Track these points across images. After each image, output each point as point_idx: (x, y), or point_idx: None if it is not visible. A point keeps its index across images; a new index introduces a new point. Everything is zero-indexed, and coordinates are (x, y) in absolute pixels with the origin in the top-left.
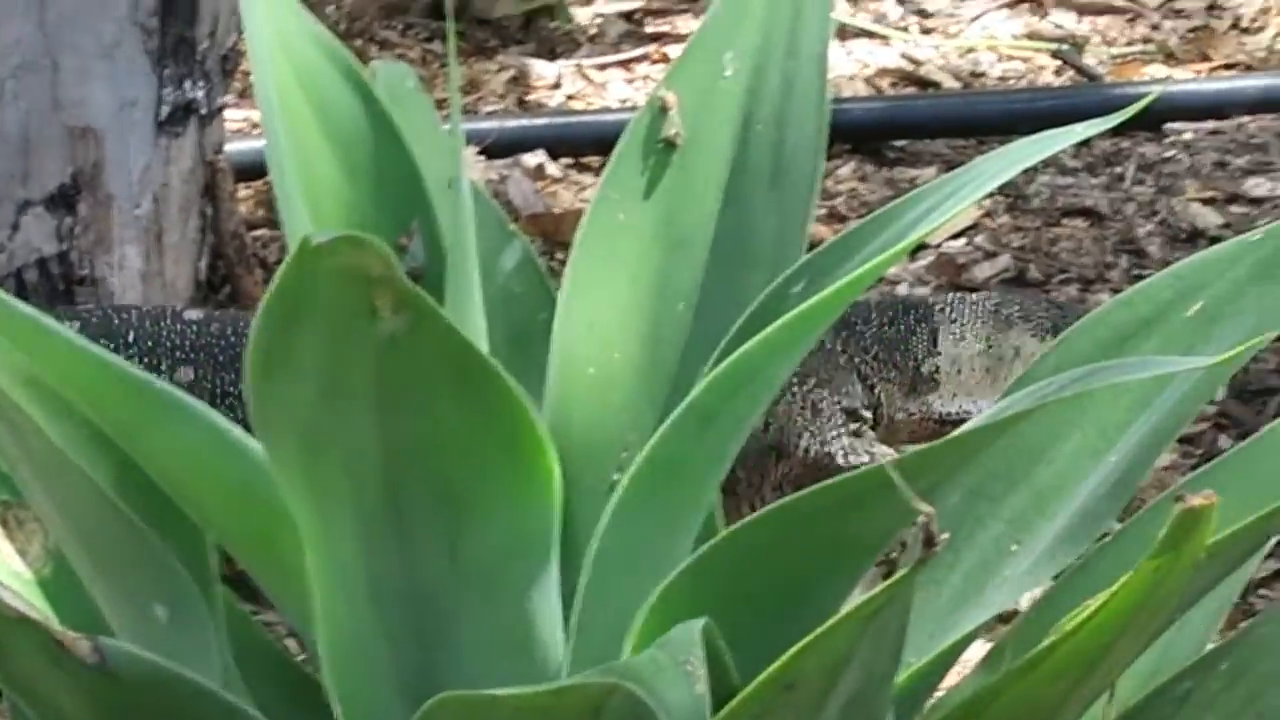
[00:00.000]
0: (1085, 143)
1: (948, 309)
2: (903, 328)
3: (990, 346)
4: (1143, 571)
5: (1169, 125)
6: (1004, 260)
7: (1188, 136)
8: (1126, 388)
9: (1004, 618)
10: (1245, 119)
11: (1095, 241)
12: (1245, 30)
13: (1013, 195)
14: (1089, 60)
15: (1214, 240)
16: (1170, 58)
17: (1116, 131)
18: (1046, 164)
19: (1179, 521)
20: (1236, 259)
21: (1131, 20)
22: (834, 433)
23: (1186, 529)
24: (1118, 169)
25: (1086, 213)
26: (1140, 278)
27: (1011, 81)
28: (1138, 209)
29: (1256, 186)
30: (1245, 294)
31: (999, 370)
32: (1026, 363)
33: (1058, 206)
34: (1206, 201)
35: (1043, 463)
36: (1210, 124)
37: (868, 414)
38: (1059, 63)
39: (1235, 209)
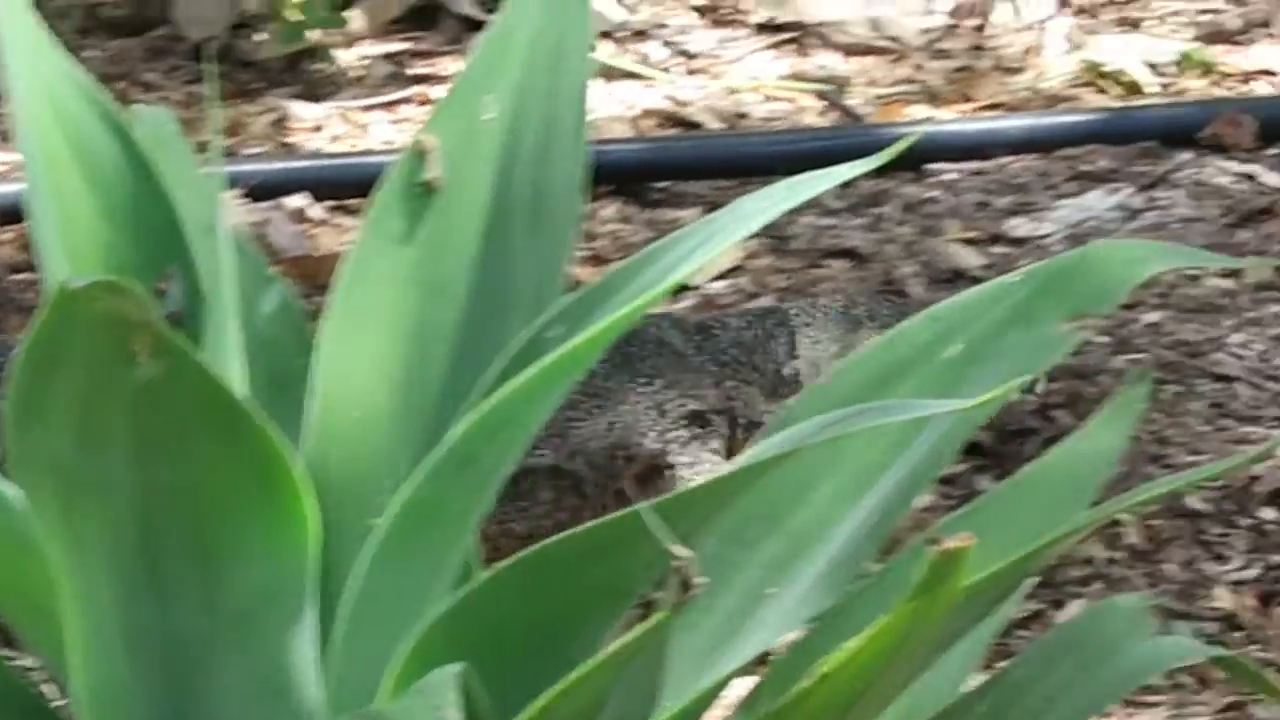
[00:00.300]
0: (848, 183)
1: (801, 314)
2: (760, 331)
3: (843, 349)
4: (899, 614)
5: (931, 165)
6: (766, 302)
7: (950, 177)
8: (884, 430)
9: (762, 661)
10: (1007, 159)
11: (857, 282)
12: (1008, 71)
13: (775, 236)
14: (853, 101)
15: (975, 281)
16: (934, 98)
17: (879, 172)
18: (809, 205)
19: (935, 564)
20: (996, 300)
21: (895, 61)
22: (677, 435)
23: (942, 571)
24: (880, 209)
25: (849, 253)
26: (901, 319)
27: (776, 122)
28: (899, 250)
29: (1018, 227)
30: (1005, 335)
31: None
32: None
33: (819, 247)
34: (968, 242)
35: (800, 506)
36: (973, 164)
37: (717, 418)
38: (823, 103)
39: (997, 249)
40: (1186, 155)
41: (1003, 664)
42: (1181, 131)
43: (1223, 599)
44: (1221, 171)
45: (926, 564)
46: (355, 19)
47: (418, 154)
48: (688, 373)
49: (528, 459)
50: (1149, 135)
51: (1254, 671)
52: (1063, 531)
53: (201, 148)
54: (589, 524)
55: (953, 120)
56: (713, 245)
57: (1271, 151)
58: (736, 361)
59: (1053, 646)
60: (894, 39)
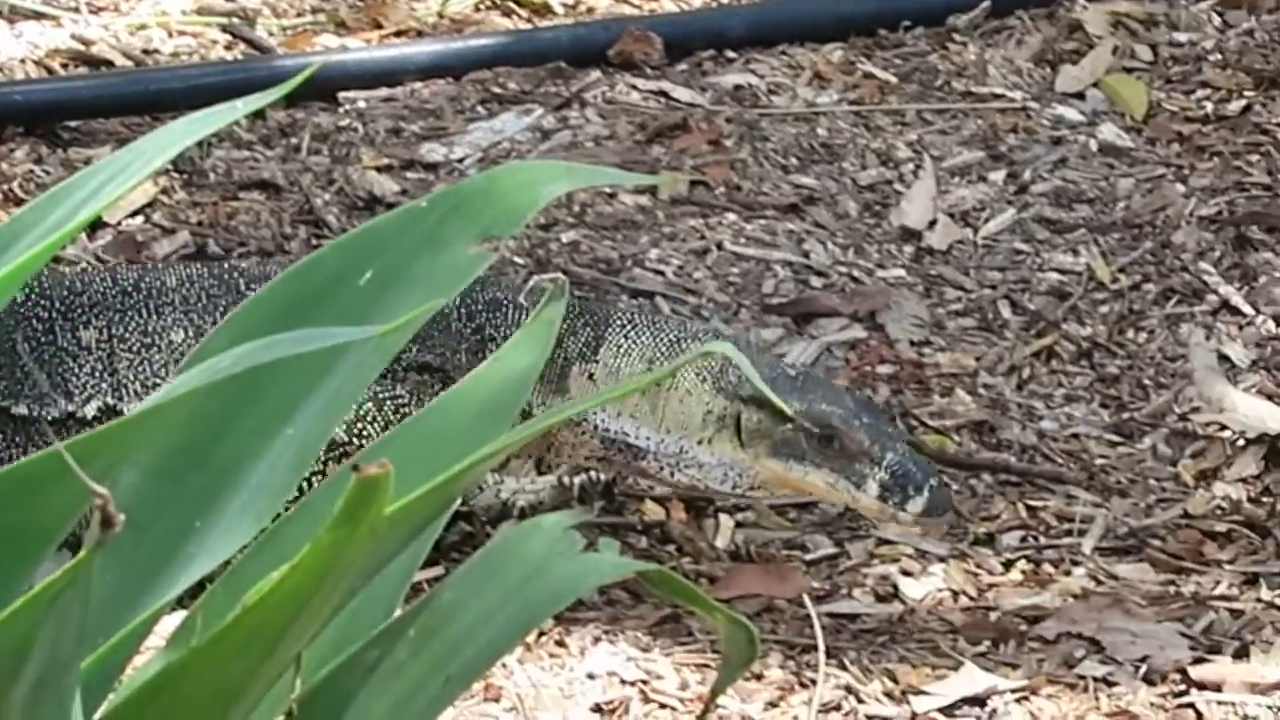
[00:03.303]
0: (261, 116)
1: (625, 321)
2: (564, 326)
3: (652, 370)
4: (322, 542)
5: (344, 94)
6: (183, 236)
7: (361, 105)
8: (302, 359)
9: (195, 594)
10: (418, 85)
11: (273, 214)
12: None
13: (189, 171)
14: (261, 33)
15: (391, 207)
16: (342, 27)
17: (292, 103)
18: (222, 138)
19: (355, 491)
20: (406, 226)
21: None
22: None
23: (364, 498)
24: (294, 140)
25: (264, 185)
26: (319, 248)
27: (184, 57)
28: (314, 179)
29: (431, 152)
30: (416, 261)
31: (658, 397)
32: (681, 396)
33: (235, 180)
34: (383, 169)
35: (222, 438)
36: (383, 91)
37: (447, 370)
38: (231, 37)
39: (411, 175)
40: (596, 74)
41: (430, 589)
42: (590, 51)
43: (653, 512)
44: (632, 89)
45: (347, 491)
46: None
47: None
48: (444, 334)
49: None
50: (558, 56)
51: (683, 585)
52: (481, 455)
53: None
54: (5, 467)
55: (362, 48)
56: (121, 182)
57: (681, 67)
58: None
59: (480, 569)
60: None
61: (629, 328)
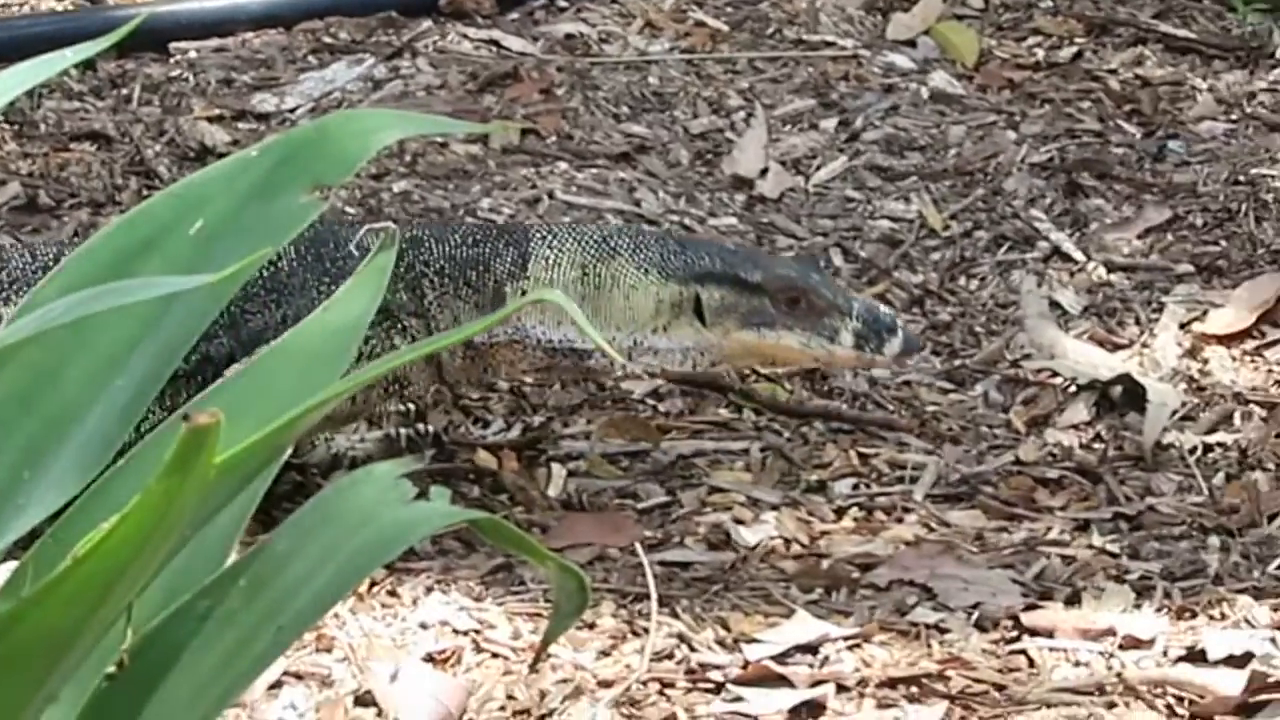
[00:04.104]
0: (92, 66)
1: (546, 234)
2: (487, 249)
3: (586, 275)
4: (152, 492)
5: (174, 45)
6: (14, 188)
7: (193, 55)
8: (132, 309)
9: (27, 545)
10: (249, 35)
11: (104, 165)
12: None
13: (19, 122)
14: None
15: (223, 158)
16: None
17: (123, 54)
18: (53, 89)
19: (185, 441)
20: (235, 176)
21: None
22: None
23: (193, 448)
24: (125, 90)
25: (95, 136)
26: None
27: (14, 9)
28: (146, 130)
29: (263, 102)
30: (245, 211)
31: (599, 299)
32: (626, 293)
33: (65, 131)
34: (214, 119)
35: (52, 388)
36: (215, 42)
37: (412, 320)
38: None
39: (243, 126)
40: (428, 24)
41: (262, 537)
42: (422, 0)
43: (485, 461)
44: (464, 38)
45: (177, 441)
46: None
47: None
48: None
49: (209, 347)
50: (390, 5)
51: (515, 534)
52: (312, 404)
53: None
54: None
55: None
56: None
57: (513, 16)
58: (442, 275)
59: (311, 517)
60: None
61: (551, 238)
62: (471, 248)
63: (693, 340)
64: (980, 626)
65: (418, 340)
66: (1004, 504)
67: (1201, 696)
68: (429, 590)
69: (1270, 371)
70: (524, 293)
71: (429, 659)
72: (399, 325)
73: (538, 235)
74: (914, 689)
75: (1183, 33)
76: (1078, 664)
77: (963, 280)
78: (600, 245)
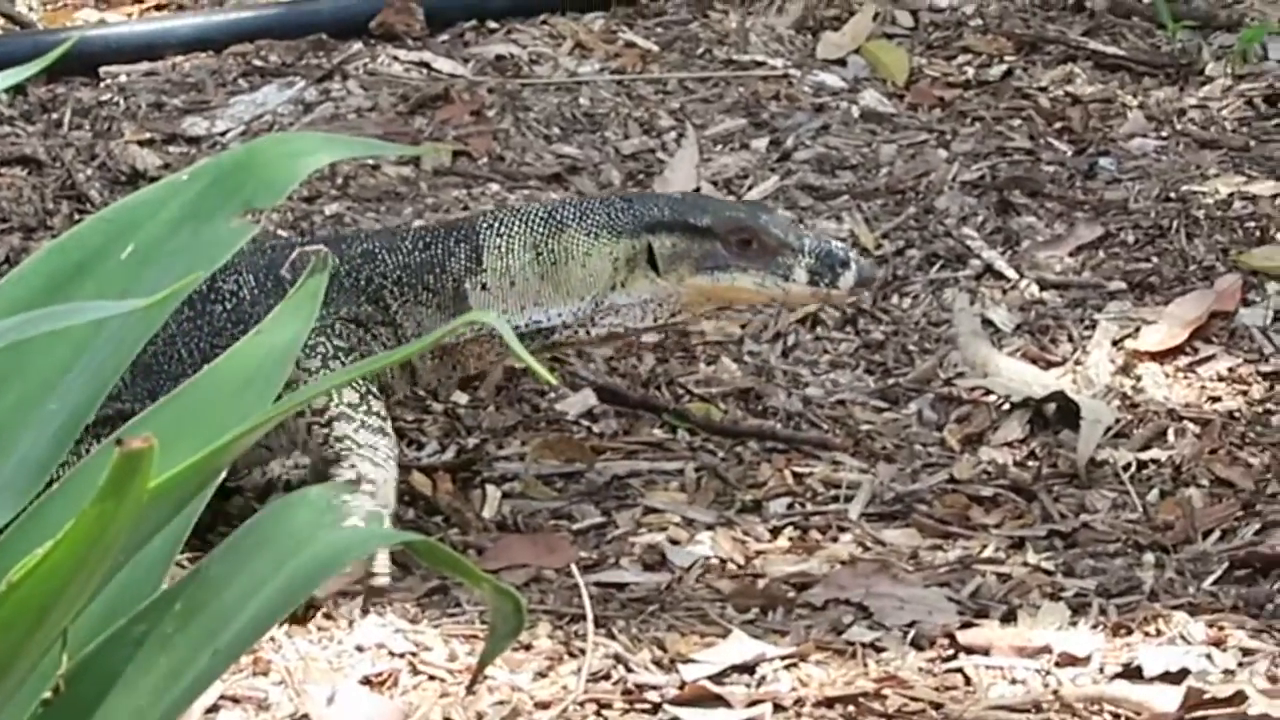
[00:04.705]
0: (22, 91)
1: (493, 223)
2: (440, 250)
3: (540, 254)
4: (86, 517)
5: (105, 69)
6: None
7: (123, 79)
8: (64, 334)
9: None
10: (179, 59)
11: (35, 189)
12: None
13: None
14: (20, 8)
15: (154, 181)
16: (103, 1)
17: (53, 78)
18: None
19: (118, 466)
20: (166, 200)
21: None
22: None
23: (127, 473)
24: (55, 115)
25: (25, 160)
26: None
27: None
28: (77, 154)
29: (194, 126)
30: (177, 234)
31: (558, 274)
32: (582, 261)
33: None
34: (145, 143)
35: None
36: (145, 65)
37: (382, 330)
38: None
39: (175, 149)
40: (358, 46)
41: (198, 562)
42: (352, 23)
43: (419, 483)
44: (394, 60)
45: (111, 465)
46: None
47: None
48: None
49: None
50: (320, 28)
51: (450, 556)
52: (244, 429)
53: None
54: None
55: (123, 22)
56: None
57: (443, 38)
58: (399, 284)
59: (246, 541)
60: None
61: (499, 225)
62: (424, 251)
63: (650, 292)
64: (917, 645)
65: (388, 348)
66: (939, 522)
67: (1138, 713)
68: (365, 612)
69: (1203, 388)
70: (484, 286)
71: (366, 682)
72: (372, 333)
73: (485, 225)
74: (851, 708)
75: (1112, 50)
76: (1014, 681)
77: (895, 299)
78: (548, 221)
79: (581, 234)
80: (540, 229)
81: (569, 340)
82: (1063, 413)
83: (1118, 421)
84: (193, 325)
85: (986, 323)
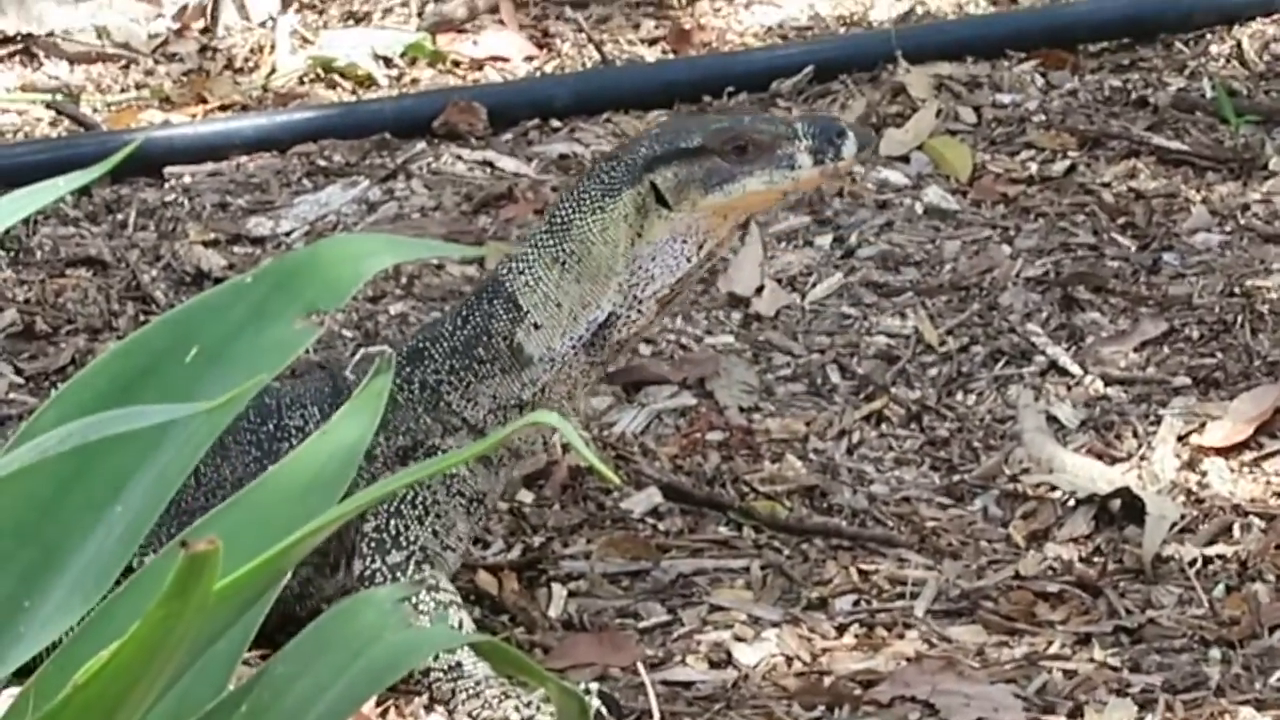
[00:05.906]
0: (86, 192)
1: (510, 266)
2: (479, 316)
3: (563, 262)
4: (151, 618)
5: (170, 169)
6: (10, 315)
7: (187, 180)
8: (132, 436)
9: (25, 673)
10: (243, 159)
11: (100, 290)
12: (239, 71)
13: (15, 249)
14: (86, 110)
15: (219, 282)
16: (167, 102)
17: (117, 179)
18: (48, 215)
19: (183, 568)
20: (230, 302)
21: (125, 67)
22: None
23: (192, 574)
24: (120, 216)
25: (91, 261)
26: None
27: (9, 136)
28: (141, 255)
29: (258, 226)
30: (241, 336)
31: (587, 266)
32: (601, 240)
33: (61, 257)
34: (210, 244)
35: (51, 515)
36: (209, 166)
37: (448, 440)
38: (56, 114)
39: (239, 250)
40: (422, 145)
41: (262, 664)
42: (415, 122)
43: (485, 582)
44: (457, 159)
45: (176, 568)
46: None
47: None
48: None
49: None
50: (383, 127)
51: (516, 656)
52: (309, 530)
53: None
54: None
55: (186, 123)
56: None
57: (505, 137)
58: (454, 369)
59: (311, 642)
60: (123, 45)
61: (517, 264)
62: (464, 326)
63: (669, 230)
64: None
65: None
66: (1005, 618)
67: None
68: (429, 709)
69: (1269, 483)
70: (535, 326)
71: None
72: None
73: (506, 272)
74: None
75: (1176, 145)
76: None
77: (960, 395)
78: (554, 231)
79: (588, 216)
80: (551, 241)
81: (630, 334)
82: (1128, 509)
83: (1183, 517)
84: (260, 468)
85: (1051, 419)
